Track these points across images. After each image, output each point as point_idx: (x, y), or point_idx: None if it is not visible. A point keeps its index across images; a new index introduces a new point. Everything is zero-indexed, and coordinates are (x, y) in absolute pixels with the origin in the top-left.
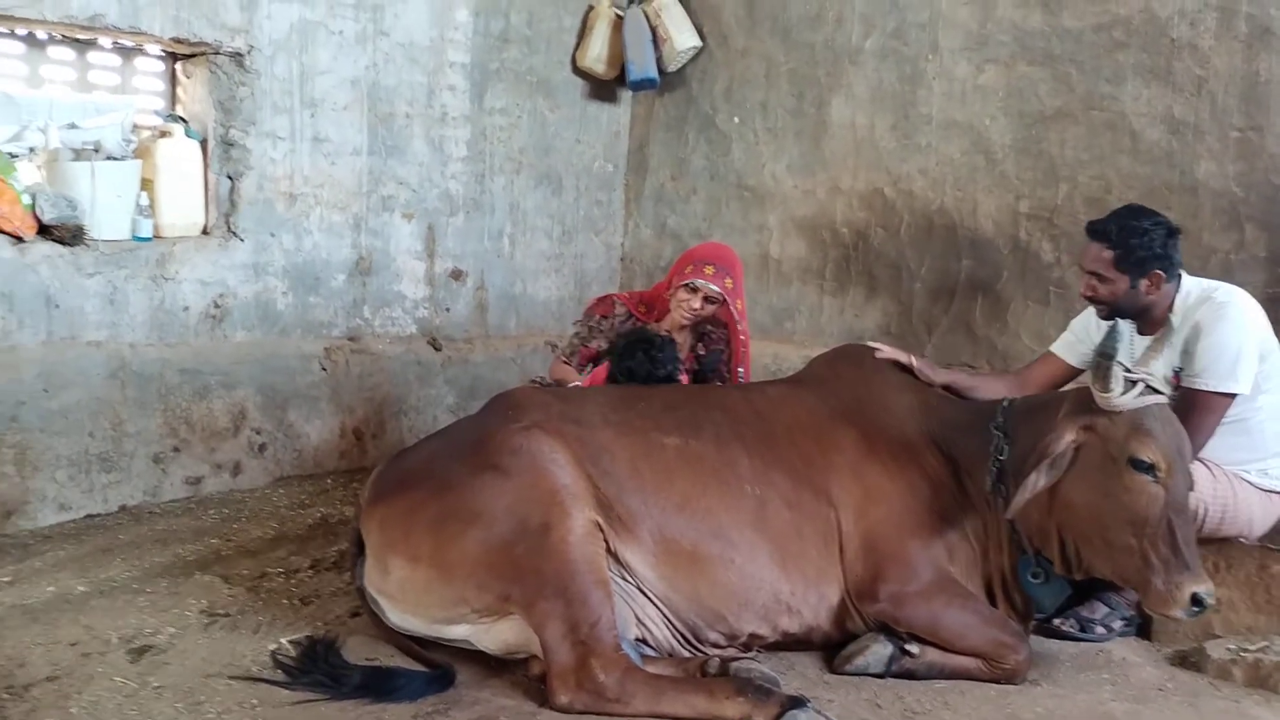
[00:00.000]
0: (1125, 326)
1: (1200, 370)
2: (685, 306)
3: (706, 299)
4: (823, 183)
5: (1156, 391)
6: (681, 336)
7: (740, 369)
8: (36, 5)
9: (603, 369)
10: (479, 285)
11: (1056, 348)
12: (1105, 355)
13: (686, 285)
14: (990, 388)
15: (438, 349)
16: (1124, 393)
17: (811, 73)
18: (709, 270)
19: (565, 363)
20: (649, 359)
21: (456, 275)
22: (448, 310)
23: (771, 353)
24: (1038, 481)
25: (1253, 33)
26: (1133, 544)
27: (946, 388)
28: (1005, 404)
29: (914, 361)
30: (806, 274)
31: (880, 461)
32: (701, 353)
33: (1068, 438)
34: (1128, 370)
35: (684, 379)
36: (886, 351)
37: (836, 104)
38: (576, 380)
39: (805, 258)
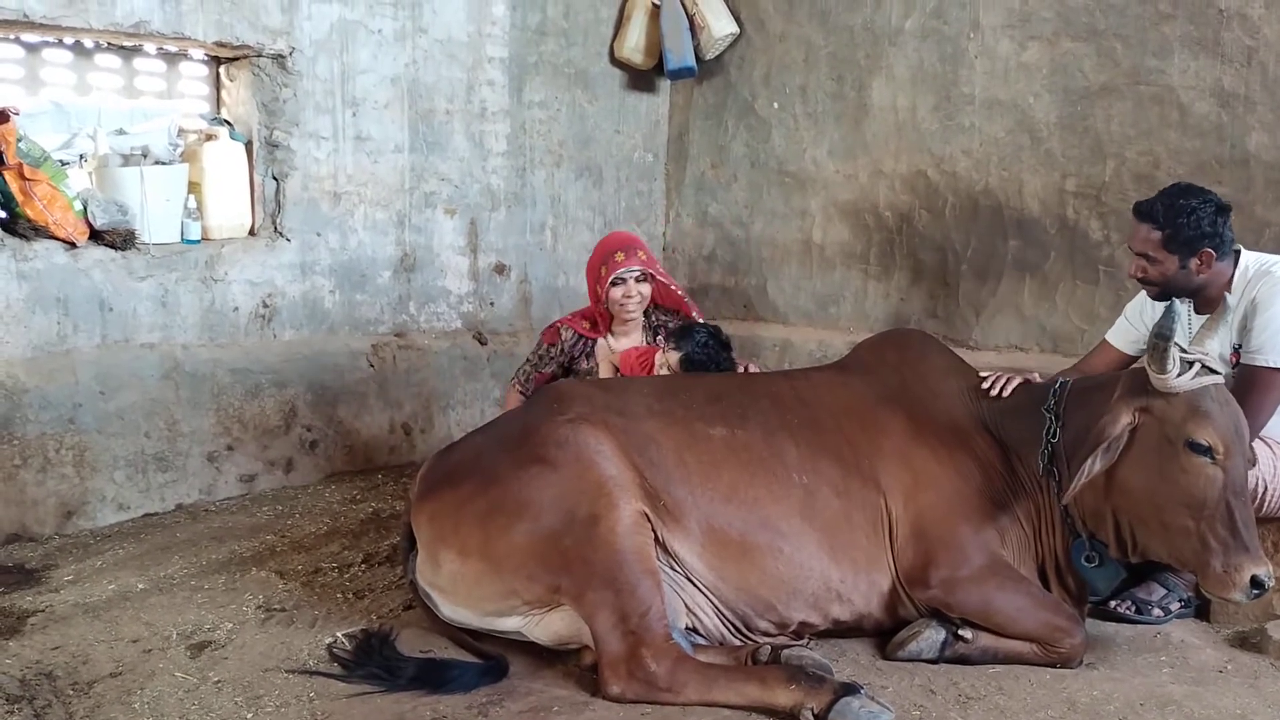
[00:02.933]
0: (1181, 306)
1: (1259, 347)
2: (625, 304)
3: (636, 281)
4: (865, 166)
5: (1213, 372)
6: (635, 338)
7: None
8: (82, 14)
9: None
10: (522, 278)
11: (1111, 336)
12: (1162, 336)
13: (612, 283)
14: None
15: (483, 343)
16: (1180, 374)
17: (851, 55)
18: (620, 257)
19: (521, 391)
20: (715, 347)
21: (500, 269)
22: (492, 304)
23: (817, 339)
24: (1094, 466)
25: None
26: (1190, 526)
27: None
28: (1057, 385)
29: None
30: (850, 259)
31: (929, 446)
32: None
33: (1124, 420)
34: (1184, 350)
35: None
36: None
37: (877, 86)
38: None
39: (848, 242)
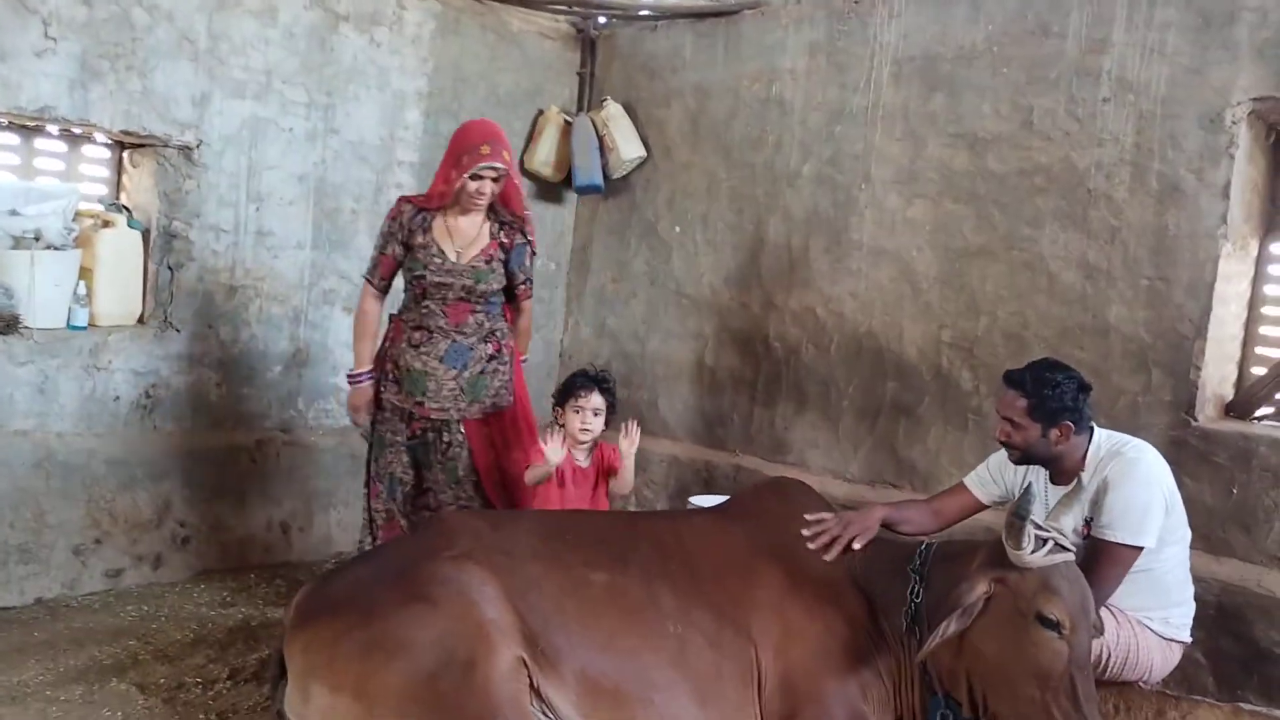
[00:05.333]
0: (1039, 487)
1: (1108, 523)
2: (477, 199)
3: (494, 181)
4: (758, 297)
5: (1065, 549)
6: (481, 227)
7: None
8: None
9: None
10: None
11: (969, 481)
12: (1018, 515)
13: (472, 176)
14: (912, 518)
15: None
16: (1034, 550)
17: (751, 191)
18: (485, 150)
19: (370, 282)
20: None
21: None
22: None
23: (704, 459)
24: (948, 628)
25: (1163, 189)
26: (1035, 696)
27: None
28: (923, 548)
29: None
30: (739, 384)
31: (801, 599)
32: (504, 240)
33: (980, 589)
34: (1039, 528)
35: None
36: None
37: (773, 223)
38: (377, 321)
39: (739, 368)
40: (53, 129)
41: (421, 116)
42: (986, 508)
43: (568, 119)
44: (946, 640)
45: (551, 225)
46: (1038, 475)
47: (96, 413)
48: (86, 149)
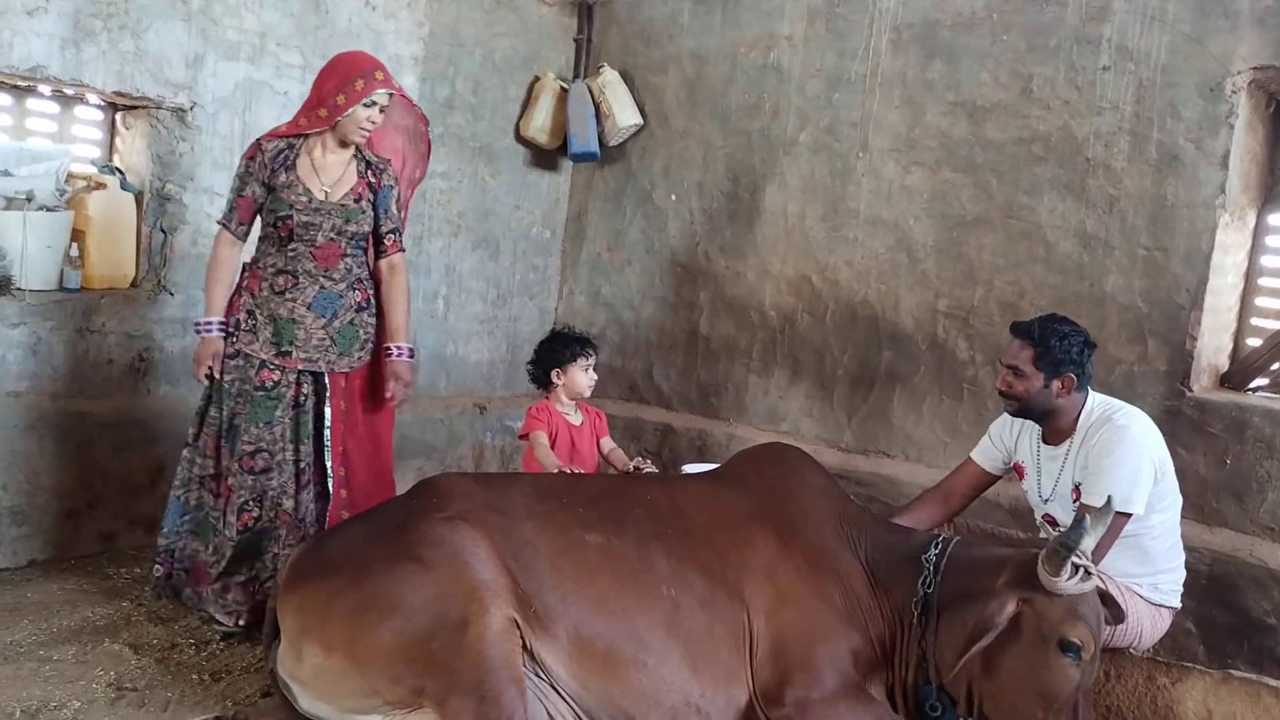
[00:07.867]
0: (1030, 445)
1: (1099, 491)
2: (366, 124)
3: (382, 112)
4: (753, 266)
5: (1092, 574)
6: (348, 165)
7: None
8: None
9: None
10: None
11: (975, 454)
12: (1065, 546)
13: (366, 103)
14: (922, 517)
15: None
16: (1069, 578)
17: (747, 159)
18: (380, 76)
19: (225, 226)
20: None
21: None
22: None
23: (698, 427)
24: (979, 647)
25: (1162, 158)
26: (1039, 716)
27: None
28: (941, 538)
29: None
30: (734, 352)
31: (794, 564)
32: (373, 180)
33: (1009, 609)
34: (1077, 557)
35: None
36: None
37: (770, 191)
38: (234, 267)
39: (733, 336)
40: (45, 89)
41: (416, 81)
42: (997, 479)
43: (564, 86)
44: (953, 637)
45: (547, 193)
46: (1030, 432)
47: (90, 375)
48: (79, 110)
